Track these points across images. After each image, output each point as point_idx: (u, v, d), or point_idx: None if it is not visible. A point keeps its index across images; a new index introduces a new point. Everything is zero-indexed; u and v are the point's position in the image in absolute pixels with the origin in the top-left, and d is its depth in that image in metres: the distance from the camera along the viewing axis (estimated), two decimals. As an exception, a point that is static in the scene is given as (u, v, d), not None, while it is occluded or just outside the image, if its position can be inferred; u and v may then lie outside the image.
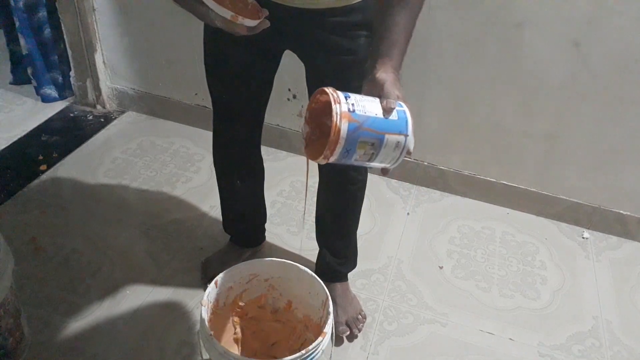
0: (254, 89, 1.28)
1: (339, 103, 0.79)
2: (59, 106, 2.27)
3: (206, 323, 1.08)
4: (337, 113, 0.77)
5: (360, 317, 1.46)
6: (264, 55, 1.21)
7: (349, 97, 0.81)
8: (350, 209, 1.41)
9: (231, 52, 1.20)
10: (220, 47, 1.21)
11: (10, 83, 2.36)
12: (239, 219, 1.56)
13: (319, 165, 1.32)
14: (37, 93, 2.27)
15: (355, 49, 1.12)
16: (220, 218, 1.56)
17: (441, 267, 1.68)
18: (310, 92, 1.24)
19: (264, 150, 2.02)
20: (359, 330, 1.45)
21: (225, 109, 1.33)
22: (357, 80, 1.15)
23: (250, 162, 1.44)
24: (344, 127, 0.77)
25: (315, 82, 1.21)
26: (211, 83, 1.29)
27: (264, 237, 1.65)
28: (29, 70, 2.22)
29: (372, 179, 2.02)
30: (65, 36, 2.13)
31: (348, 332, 1.43)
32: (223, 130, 1.37)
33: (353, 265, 1.51)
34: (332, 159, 0.81)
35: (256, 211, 1.56)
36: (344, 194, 1.37)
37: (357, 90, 1.14)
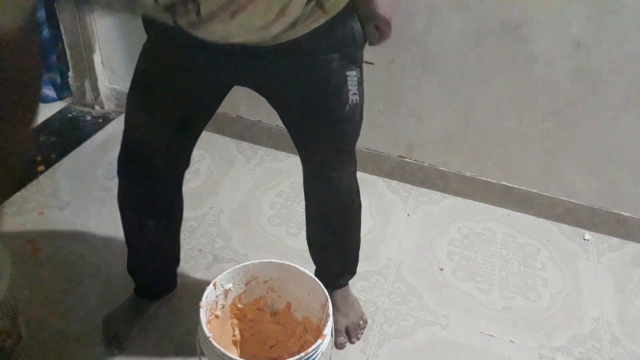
0: (184, 125, 1.10)
1: None
2: (57, 106, 2.26)
3: (205, 325, 1.08)
4: None
5: (361, 322, 1.43)
6: (208, 90, 1.05)
7: None
8: (349, 235, 1.33)
9: (166, 80, 1.03)
10: (155, 69, 1.03)
11: (9, 83, 2.35)
12: (147, 264, 1.36)
13: (310, 195, 1.26)
14: (36, 93, 2.26)
15: (327, 77, 0.98)
16: (220, 221, 1.54)
17: (441, 269, 1.67)
18: (288, 128, 1.13)
19: (264, 150, 2.04)
20: (358, 339, 1.42)
21: (141, 147, 1.12)
22: (333, 111, 1.04)
23: (168, 200, 1.24)
24: None
25: (290, 121, 1.10)
26: (131, 107, 1.10)
27: (175, 284, 1.45)
28: (28, 71, 2.22)
29: (372, 180, 2.03)
30: (63, 36, 2.12)
31: (347, 344, 1.40)
32: (135, 170, 1.16)
33: (352, 275, 1.44)
34: None
35: (169, 254, 1.37)
36: (339, 226, 1.29)
37: (334, 120, 1.05)
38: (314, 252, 1.39)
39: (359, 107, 1.07)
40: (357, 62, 1.02)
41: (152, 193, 1.20)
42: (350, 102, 1.03)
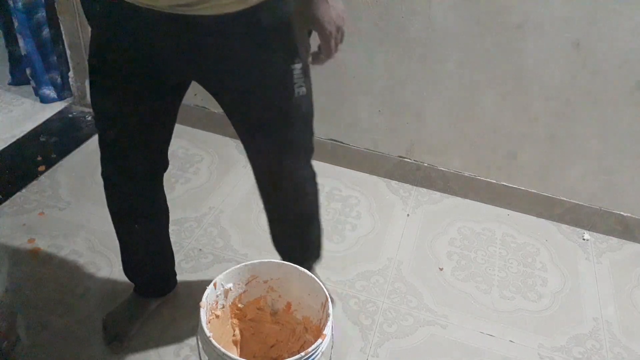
0: (149, 126, 1.09)
1: None
2: (57, 107, 2.26)
3: (205, 325, 1.08)
4: None
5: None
6: (159, 87, 1.04)
7: None
8: (308, 224, 1.29)
9: (115, 75, 1.01)
10: (104, 65, 1.01)
11: (9, 84, 2.35)
12: (142, 265, 1.37)
13: (262, 189, 1.22)
14: (36, 94, 2.26)
15: (269, 70, 0.96)
16: (220, 221, 1.54)
17: (441, 269, 1.67)
18: (235, 126, 1.09)
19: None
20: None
21: (113, 147, 1.12)
22: (277, 104, 1.00)
23: (150, 203, 1.25)
24: None
25: (235, 118, 1.07)
26: (94, 107, 1.09)
27: (175, 282, 1.47)
28: (28, 71, 2.22)
29: (372, 180, 2.03)
30: (64, 37, 2.13)
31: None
32: (113, 171, 1.17)
33: (316, 260, 1.38)
34: None
35: (161, 256, 1.38)
36: (297, 216, 1.26)
37: (281, 118, 1.00)
38: (276, 242, 1.35)
39: (305, 99, 1.03)
40: (301, 54, 0.98)
41: (132, 195, 1.20)
42: (296, 94, 1.00)
